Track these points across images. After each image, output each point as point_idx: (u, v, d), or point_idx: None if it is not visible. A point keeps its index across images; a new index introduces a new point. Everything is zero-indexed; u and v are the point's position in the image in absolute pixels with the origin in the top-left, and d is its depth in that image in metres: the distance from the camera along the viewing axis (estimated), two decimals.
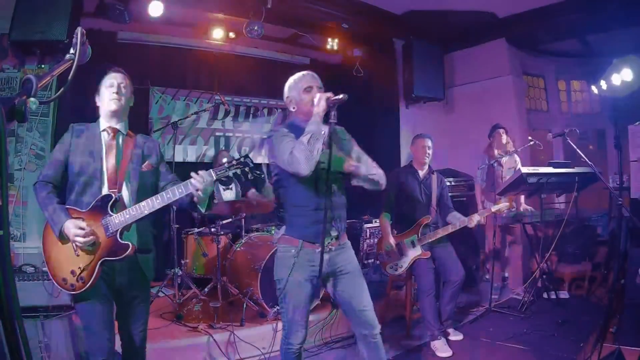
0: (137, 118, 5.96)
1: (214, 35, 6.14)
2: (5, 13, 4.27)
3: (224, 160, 2.33)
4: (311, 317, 4.12)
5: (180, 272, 4.61)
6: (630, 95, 5.50)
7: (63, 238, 2.26)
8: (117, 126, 2.50)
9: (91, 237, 2.23)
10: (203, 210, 2.45)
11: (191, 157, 6.54)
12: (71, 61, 1.32)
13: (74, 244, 2.25)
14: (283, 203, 2.62)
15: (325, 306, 4.38)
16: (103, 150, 2.43)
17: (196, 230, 4.86)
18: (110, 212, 2.29)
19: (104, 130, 2.47)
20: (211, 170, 2.30)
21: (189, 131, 6.52)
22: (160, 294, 4.70)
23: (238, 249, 4.61)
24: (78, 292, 2.26)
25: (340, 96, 2.31)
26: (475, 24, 6.58)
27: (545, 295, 5.09)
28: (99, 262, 2.26)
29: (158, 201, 2.30)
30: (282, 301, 2.61)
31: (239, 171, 2.32)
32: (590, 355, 3.34)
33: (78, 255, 2.26)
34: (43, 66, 4.72)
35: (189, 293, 4.67)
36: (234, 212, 4.77)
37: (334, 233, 2.54)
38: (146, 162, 2.52)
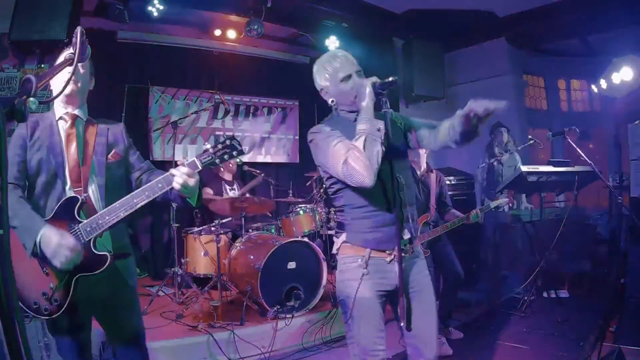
0: (137, 117, 6.03)
1: (214, 34, 6.14)
2: (5, 13, 4.27)
3: (207, 145, 1.99)
4: (311, 317, 4.16)
5: (181, 271, 4.62)
6: (629, 94, 5.51)
7: (35, 251, 1.83)
8: (76, 112, 2.12)
9: (79, 249, 1.87)
10: (193, 204, 2.11)
11: (191, 156, 6.50)
12: (71, 61, 1.32)
13: (53, 261, 1.83)
14: (341, 205, 2.16)
15: (324, 305, 4.39)
16: (63, 141, 2.06)
17: (196, 229, 4.87)
18: (78, 218, 1.93)
19: (60, 118, 2.10)
20: (195, 158, 1.97)
21: (189, 130, 6.52)
22: (161, 293, 4.70)
23: (238, 247, 4.62)
24: (55, 316, 1.90)
25: (390, 79, 1.94)
26: (475, 23, 6.57)
27: (545, 294, 5.09)
28: (74, 279, 1.89)
29: (136, 201, 1.93)
30: (351, 327, 2.09)
31: (226, 156, 1.96)
32: (590, 354, 3.34)
33: (47, 274, 1.89)
34: (43, 66, 4.72)
35: (189, 292, 4.68)
36: (235, 210, 4.77)
37: (406, 236, 2.08)
38: (113, 152, 2.16)
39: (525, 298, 4.85)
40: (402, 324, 2.02)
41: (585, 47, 7.17)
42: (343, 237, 2.16)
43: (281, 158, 7.31)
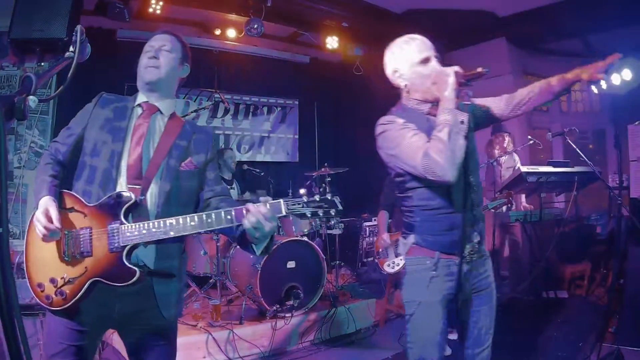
0: None
1: (214, 33, 6.13)
2: (5, 11, 4.27)
3: (302, 192, 1.68)
4: (310, 316, 4.16)
5: None
6: (630, 95, 5.50)
7: None
8: (157, 103, 1.88)
9: (54, 230, 1.60)
10: (257, 253, 1.75)
11: None
12: (71, 59, 1.32)
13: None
14: (411, 206, 2.02)
15: (324, 304, 4.39)
16: (129, 129, 1.81)
17: None
18: (123, 219, 1.65)
19: (138, 105, 1.89)
20: (282, 201, 1.62)
21: None
22: None
23: (237, 247, 4.61)
24: (55, 308, 1.65)
25: (479, 70, 1.76)
26: (476, 23, 6.57)
27: (544, 295, 5.09)
28: (89, 281, 1.63)
29: (193, 224, 1.63)
30: (411, 331, 2.00)
31: (321, 212, 1.67)
32: (589, 355, 3.34)
33: (66, 261, 1.66)
34: (43, 64, 4.70)
35: (188, 291, 4.68)
36: None
37: (475, 239, 1.98)
38: (188, 159, 1.85)
39: (525, 298, 4.85)
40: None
41: (585, 47, 7.17)
42: (412, 239, 2.03)
43: (281, 157, 7.31)
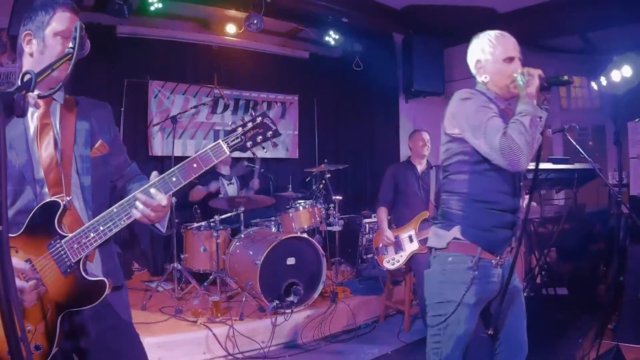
0: (136, 112, 6.01)
1: (213, 29, 6.12)
2: (4, 8, 4.25)
3: (237, 126, 1.56)
4: (310, 312, 4.17)
5: (180, 267, 4.62)
6: (629, 92, 5.50)
7: None
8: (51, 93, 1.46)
9: (34, 283, 1.36)
10: (163, 231, 1.60)
11: (190, 151, 6.52)
12: (70, 55, 1.31)
13: None
14: (462, 193, 1.94)
15: (323, 301, 4.39)
16: (29, 134, 1.50)
17: (195, 224, 4.86)
18: (60, 231, 1.42)
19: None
20: (221, 142, 1.50)
21: (188, 125, 6.51)
22: (160, 289, 4.71)
23: (237, 243, 4.62)
24: None
25: (565, 77, 1.76)
26: (475, 19, 6.55)
27: (544, 292, 5.09)
28: (60, 316, 1.40)
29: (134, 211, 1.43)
30: (442, 332, 1.92)
31: (259, 137, 1.54)
32: (589, 351, 3.34)
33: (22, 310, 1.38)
34: None
35: (188, 287, 4.68)
36: (234, 206, 4.78)
37: (514, 243, 1.99)
38: (98, 142, 1.62)
39: (525, 295, 4.85)
40: (489, 332, 1.99)
41: (585, 44, 7.15)
42: (456, 231, 1.92)
43: (280, 153, 7.30)
